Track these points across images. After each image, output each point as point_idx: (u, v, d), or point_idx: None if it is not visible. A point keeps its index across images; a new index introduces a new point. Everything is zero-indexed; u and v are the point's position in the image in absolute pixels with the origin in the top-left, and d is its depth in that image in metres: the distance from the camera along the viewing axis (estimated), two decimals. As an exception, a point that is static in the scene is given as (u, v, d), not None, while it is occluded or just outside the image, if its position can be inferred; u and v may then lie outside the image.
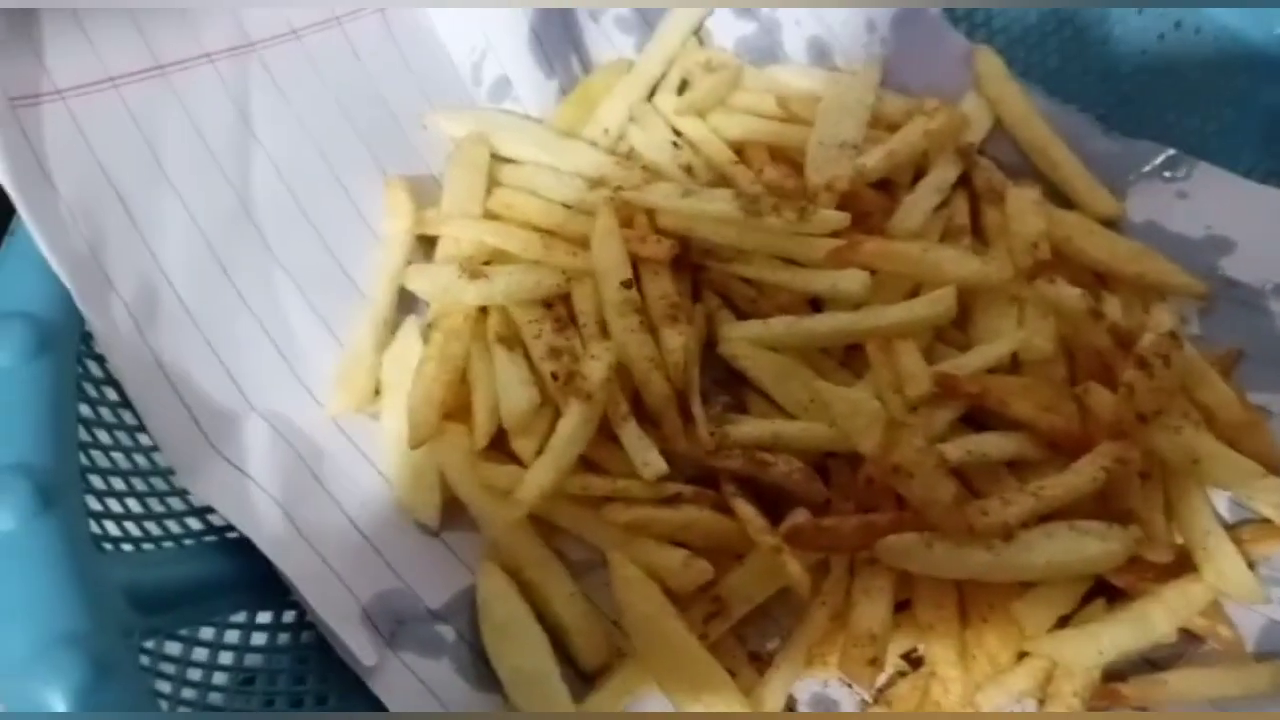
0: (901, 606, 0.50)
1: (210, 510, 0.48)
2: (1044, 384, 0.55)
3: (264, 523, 0.48)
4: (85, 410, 0.45)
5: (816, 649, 0.49)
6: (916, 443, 0.50)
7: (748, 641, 0.51)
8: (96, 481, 0.44)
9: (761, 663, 0.50)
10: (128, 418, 0.47)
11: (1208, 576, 0.50)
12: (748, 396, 0.57)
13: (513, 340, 0.56)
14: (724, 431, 0.54)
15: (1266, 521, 0.53)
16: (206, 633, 0.45)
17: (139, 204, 0.51)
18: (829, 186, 0.60)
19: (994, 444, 0.53)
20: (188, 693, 0.42)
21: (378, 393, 0.55)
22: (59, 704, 0.36)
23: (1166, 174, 0.66)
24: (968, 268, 0.58)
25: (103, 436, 0.46)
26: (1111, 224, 0.64)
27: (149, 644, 0.41)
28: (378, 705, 0.46)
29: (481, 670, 0.49)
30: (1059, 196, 0.66)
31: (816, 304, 0.59)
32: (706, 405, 0.56)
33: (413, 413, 0.52)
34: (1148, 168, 0.66)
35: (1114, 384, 0.54)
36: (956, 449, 0.51)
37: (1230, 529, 0.53)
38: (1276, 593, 0.51)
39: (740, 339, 0.56)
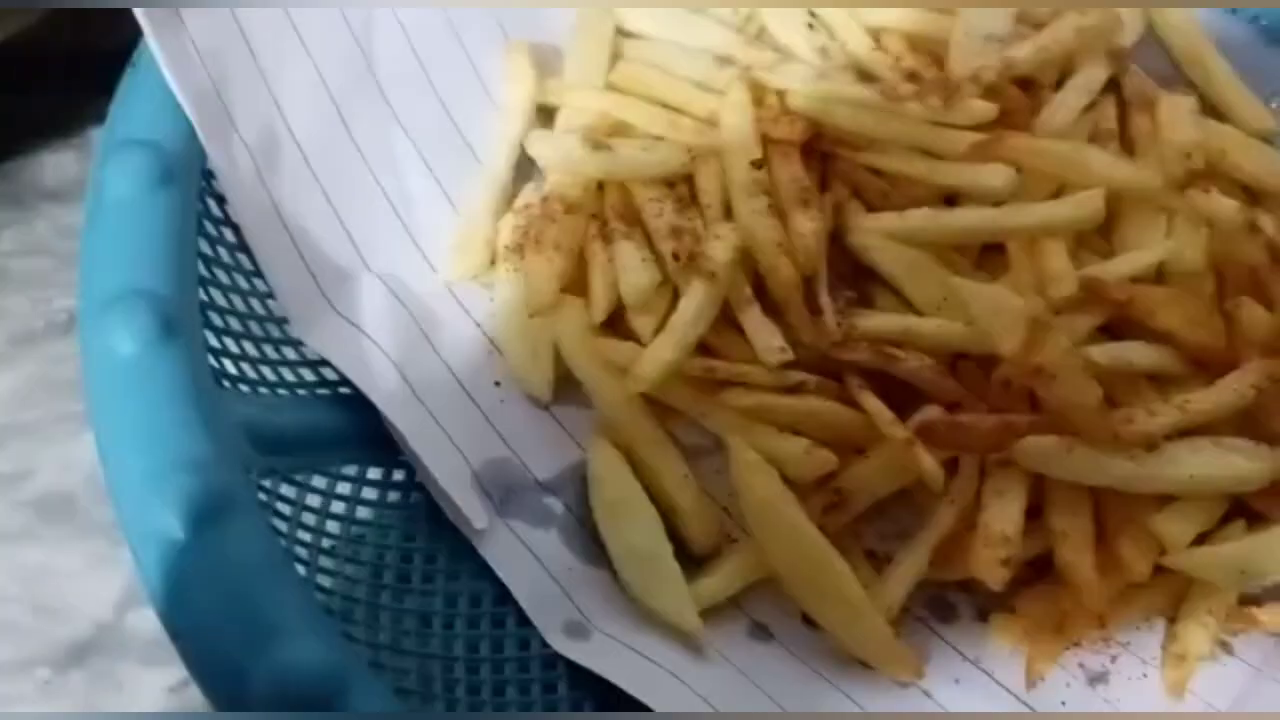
0: (1028, 515, 0.48)
1: (323, 363, 0.47)
2: (1192, 297, 0.52)
3: (377, 379, 0.46)
4: (204, 247, 0.44)
5: (940, 549, 0.47)
6: (1062, 343, 0.47)
7: (863, 539, 0.49)
8: (215, 319, 0.43)
9: (877, 561, 0.48)
10: (244, 261, 0.46)
11: (1359, 505, 0.47)
12: (874, 293, 0.55)
13: (631, 218, 0.54)
14: (851, 323, 0.51)
15: None
16: (319, 482, 0.44)
17: (265, 47, 0.49)
18: (974, 77, 0.57)
19: (1139, 353, 0.50)
20: (303, 535, 0.41)
21: (493, 261, 0.53)
22: (177, 529, 0.35)
23: (1333, 92, 0.62)
24: (1119, 171, 0.54)
25: (221, 276, 0.45)
26: (1266, 140, 0.61)
27: (265, 483, 0.40)
28: (485, 570, 0.45)
29: (589, 544, 0.47)
30: (1209, 110, 0.62)
31: (949, 203, 0.56)
32: (831, 299, 0.53)
33: (533, 279, 0.50)
34: (1310, 84, 0.62)
35: (1266, 303, 0.51)
36: (1102, 354, 0.49)
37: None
38: None
39: (873, 230, 0.54)
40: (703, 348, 0.51)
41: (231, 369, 0.43)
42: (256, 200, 0.47)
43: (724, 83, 0.57)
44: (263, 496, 0.39)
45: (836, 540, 0.47)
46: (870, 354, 0.50)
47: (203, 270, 0.43)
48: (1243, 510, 0.49)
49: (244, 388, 0.43)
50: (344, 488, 0.44)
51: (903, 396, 0.50)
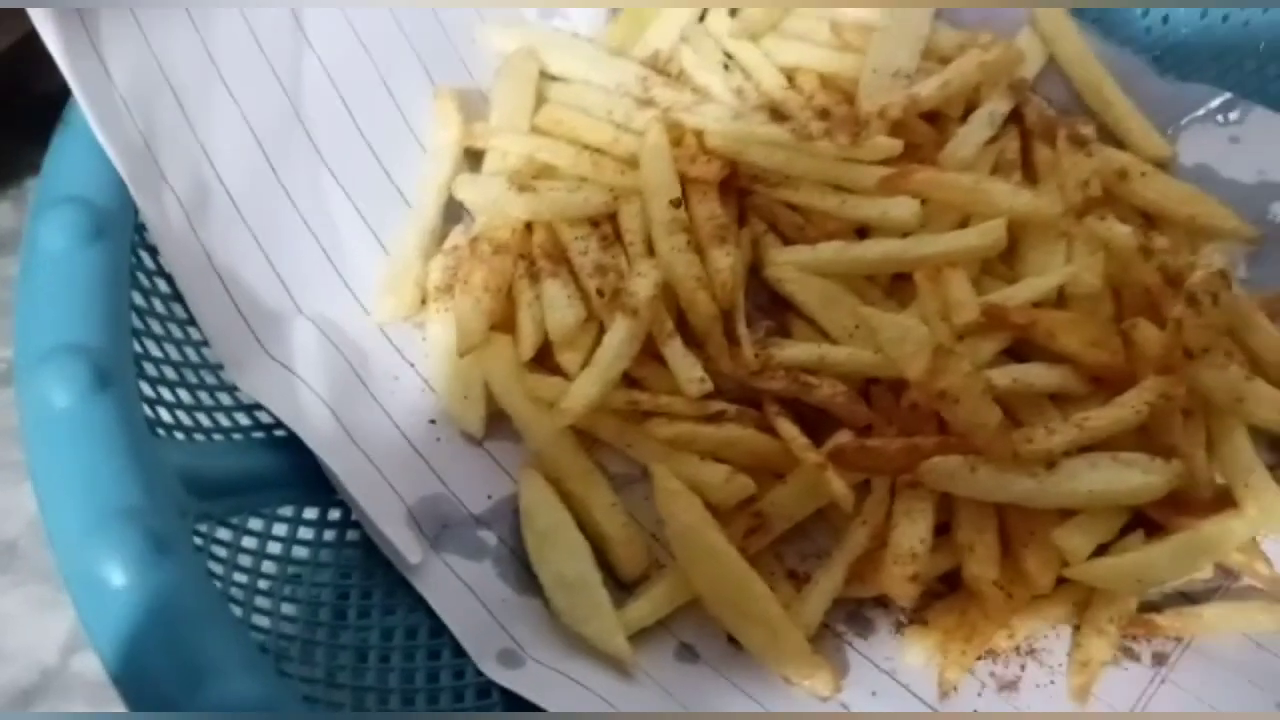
0: (939, 531, 0.50)
1: (258, 407, 0.48)
2: (1090, 319, 0.55)
3: (311, 421, 0.48)
4: (138, 299, 0.45)
5: (855, 567, 0.49)
6: (963, 368, 0.49)
7: (785, 560, 0.51)
8: (149, 369, 0.44)
9: (798, 580, 0.50)
10: (178, 311, 0.48)
11: (1248, 513, 0.50)
12: (791, 322, 0.57)
13: (558, 257, 0.56)
14: (768, 353, 0.54)
15: (1308, 462, 0.53)
16: (255, 523, 0.45)
17: (192, 99, 0.51)
18: (881, 114, 0.60)
19: (1039, 374, 0.53)
20: (239, 577, 0.42)
21: (423, 302, 0.55)
22: (117, 577, 0.36)
23: (1220, 118, 0.65)
24: (1019, 200, 0.57)
25: (155, 326, 0.46)
26: (1162, 166, 0.64)
27: (201, 528, 0.41)
28: (421, 603, 0.46)
29: (522, 574, 0.49)
30: (1110, 137, 0.65)
31: (862, 234, 0.59)
32: (750, 329, 0.55)
33: (461, 320, 0.52)
34: (1201, 111, 0.66)
35: (1161, 322, 0.54)
36: (1003, 376, 0.51)
37: (1270, 469, 0.52)
38: (1316, 532, 0.51)
39: (787, 263, 0.56)
40: (629, 379, 0.53)
41: (166, 417, 0.44)
42: (188, 249, 0.48)
43: (644, 123, 0.59)
44: (198, 540, 0.41)
45: (758, 562, 0.49)
46: (786, 382, 0.52)
47: (136, 322, 0.44)
48: (1143, 521, 0.51)
49: (179, 434, 0.44)
50: (280, 528, 0.46)
51: (820, 422, 0.53)
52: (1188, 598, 0.51)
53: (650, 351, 0.54)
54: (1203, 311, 0.53)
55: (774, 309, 0.58)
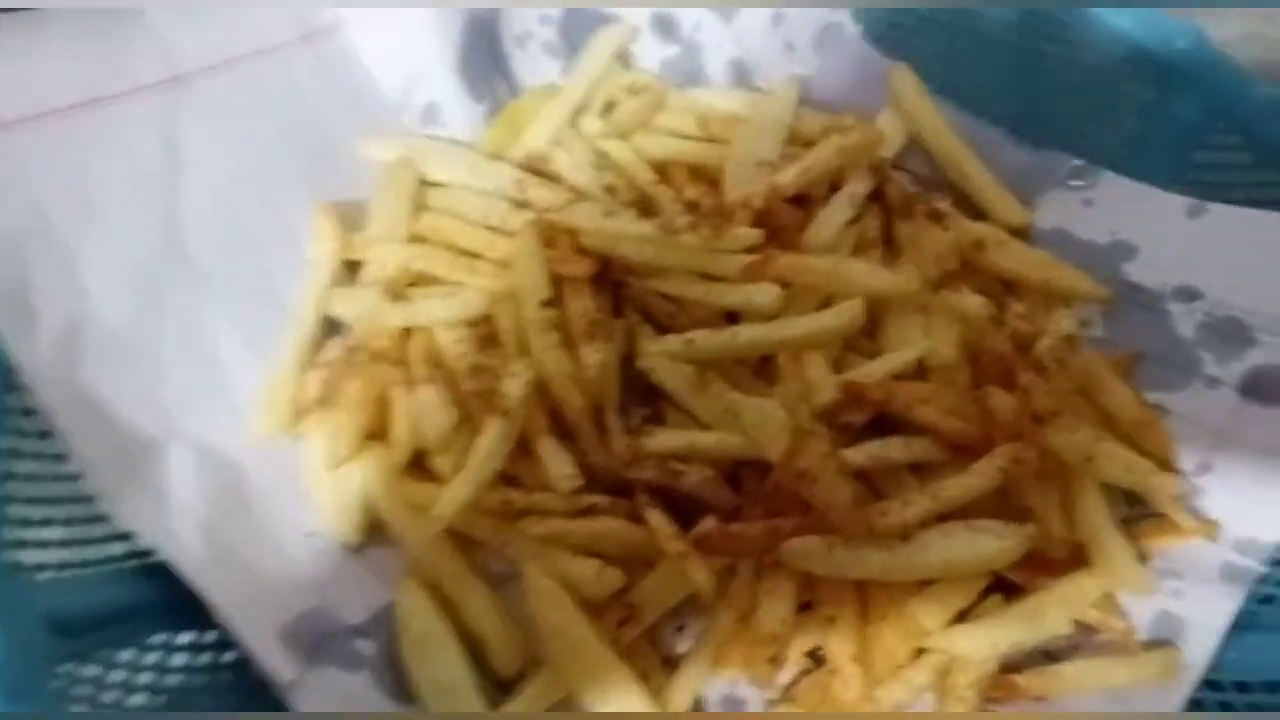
0: (806, 608, 0.52)
1: (133, 535, 0.49)
2: (947, 389, 0.57)
3: (185, 546, 0.49)
4: (6, 442, 0.47)
5: (723, 650, 0.51)
6: (820, 448, 0.52)
7: (661, 645, 0.53)
8: (16, 511, 0.45)
9: (674, 665, 0.52)
10: (48, 448, 0.49)
11: (1101, 570, 0.52)
12: (666, 409, 0.59)
13: (436, 360, 0.58)
14: (640, 443, 0.55)
15: (1160, 516, 0.55)
16: (124, 654, 0.46)
17: (68, 237, 0.52)
18: (745, 203, 0.62)
19: (897, 448, 0.55)
20: (105, 713, 0.43)
21: (301, 415, 0.57)
22: (-28, 728, 0.37)
23: (1073, 183, 0.68)
24: (877, 279, 0.60)
25: (24, 467, 0.47)
26: (1021, 232, 0.67)
27: (66, 668, 0.43)
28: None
29: (401, 682, 0.50)
30: (971, 207, 0.68)
31: (733, 317, 0.61)
32: (626, 418, 0.57)
33: (335, 434, 0.53)
34: (1056, 177, 0.69)
35: (1015, 388, 0.56)
36: (859, 453, 0.54)
37: (1125, 525, 0.55)
38: (1169, 584, 0.53)
39: (658, 353, 0.58)
40: (505, 477, 0.55)
41: (35, 557, 0.45)
42: (62, 386, 0.50)
43: (519, 225, 0.61)
44: (61, 683, 0.42)
45: (633, 650, 0.51)
46: (656, 471, 0.54)
47: (3, 465, 0.46)
48: (1004, 583, 0.53)
49: (48, 573, 0.45)
50: (151, 657, 0.47)
51: (693, 507, 0.55)
52: (1049, 655, 0.53)
53: (526, 449, 0.56)
54: (1050, 377, 0.56)
55: (650, 396, 0.60)
